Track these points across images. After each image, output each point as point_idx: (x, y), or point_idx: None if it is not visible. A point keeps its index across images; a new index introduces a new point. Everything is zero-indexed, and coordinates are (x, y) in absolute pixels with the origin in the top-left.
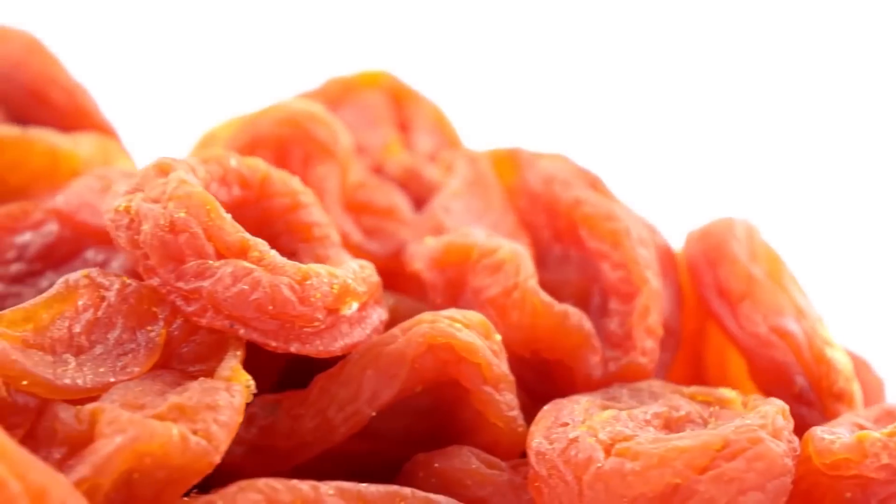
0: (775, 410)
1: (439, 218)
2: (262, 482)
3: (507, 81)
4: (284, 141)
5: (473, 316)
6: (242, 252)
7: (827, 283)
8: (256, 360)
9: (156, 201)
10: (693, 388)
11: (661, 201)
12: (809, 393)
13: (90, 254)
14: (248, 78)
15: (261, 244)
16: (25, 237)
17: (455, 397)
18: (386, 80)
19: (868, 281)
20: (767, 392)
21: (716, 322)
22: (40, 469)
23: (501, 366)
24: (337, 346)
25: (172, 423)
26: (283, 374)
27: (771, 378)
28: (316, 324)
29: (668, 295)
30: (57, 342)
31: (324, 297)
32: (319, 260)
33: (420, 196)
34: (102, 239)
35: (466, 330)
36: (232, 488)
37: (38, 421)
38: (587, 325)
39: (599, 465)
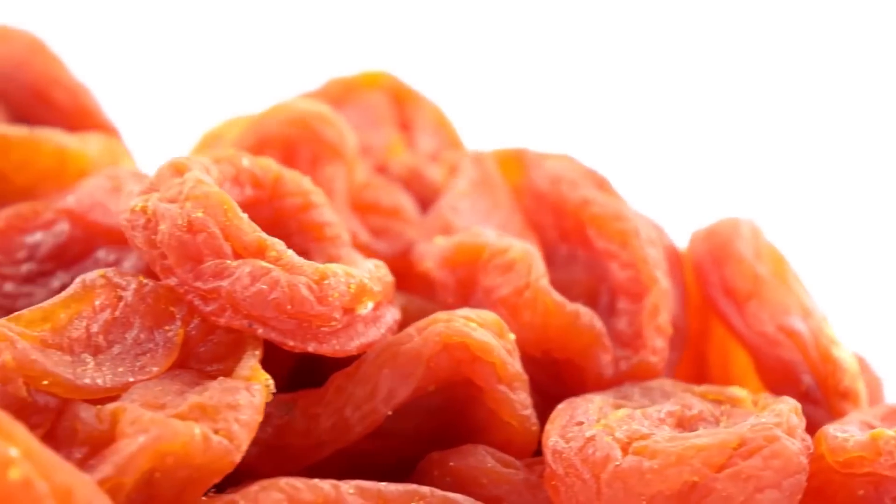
0: (789, 409)
1: (447, 217)
2: (283, 481)
3: (507, 82)
4: (292, 141)
5: (488, 315)
6: (260, 252)
7: (825, 283)
8: (267, 359)
9: (172, 201)
10: (704, 387)
11: (661, 201)
12: (816, 391)
13: (102, 253)
14: (247, 78)
15: (278, 244)
16: (36, 237)
17: (467, 396)
18: (387, 81)
19: (866, 281)
20: (774, 391)
21: (722, 321)
22: (66, 469)
23: (515, 365)
24: (353, 345)
25: (194, 422)
26: (292, 373)
27: (778, 377)
28: (333, 323)
29: (674, 294)
30: (75, 342)
31: (341, 297)
32: (331, 259)
33: (423, 196)
34: (114, 239)
35: (481, 329)
36: (254, 487)
37: (59, 421)
38: (598, 324)
39: (617, 463)
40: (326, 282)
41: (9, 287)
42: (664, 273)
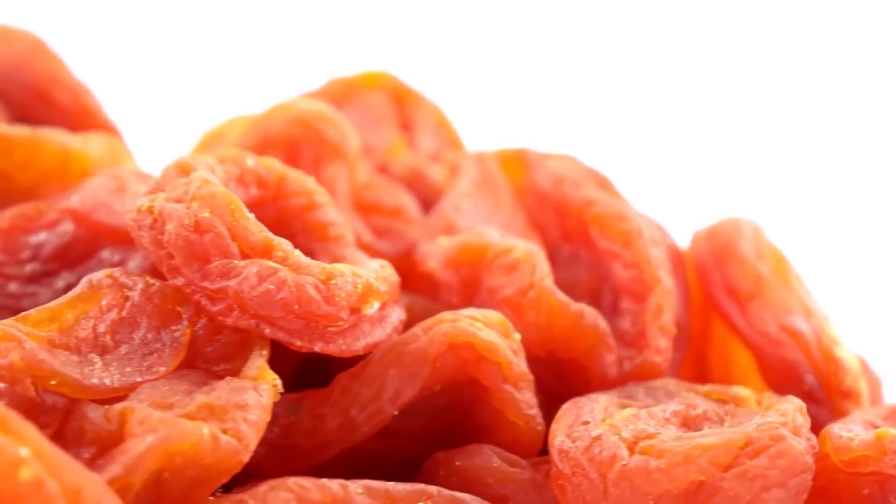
0: (794, 408)
1: (450, 218)
2: (291, 481)
3: (507, 82)
4: (295, 141)
5: (493, 315)
6: (267, 252)
7: (822, 283)
8: (272, 359)
9: (179, 201)
10: (708, 387)
11: (660, 201)
12: (818, 391)
13: (106, 254)
14: (247, 78)
15: (284, 244)
16: (40, 237)
17: (472, 396)
18: (387, 81)
19: (864, 280)
20: (776, 390)
21: (725, 321)
22: (75, 469)
23: (521, 364)
24: (359, 345)
25: (203, 422)
26: (297, 373)
27: (781, 376)
28: (340, 323)
29: (677, 294)
30: (82, 342)
31: (348, 297)
32: (336, 259)
33: (424, 196)
34: (118, 239)
35: (487, 329)
36: (262, 487)
37: (67, 421)
38: (602, 324)
39: (624, 462)
40: (333, 282)
41: (13, 287)
42: (667, 273)
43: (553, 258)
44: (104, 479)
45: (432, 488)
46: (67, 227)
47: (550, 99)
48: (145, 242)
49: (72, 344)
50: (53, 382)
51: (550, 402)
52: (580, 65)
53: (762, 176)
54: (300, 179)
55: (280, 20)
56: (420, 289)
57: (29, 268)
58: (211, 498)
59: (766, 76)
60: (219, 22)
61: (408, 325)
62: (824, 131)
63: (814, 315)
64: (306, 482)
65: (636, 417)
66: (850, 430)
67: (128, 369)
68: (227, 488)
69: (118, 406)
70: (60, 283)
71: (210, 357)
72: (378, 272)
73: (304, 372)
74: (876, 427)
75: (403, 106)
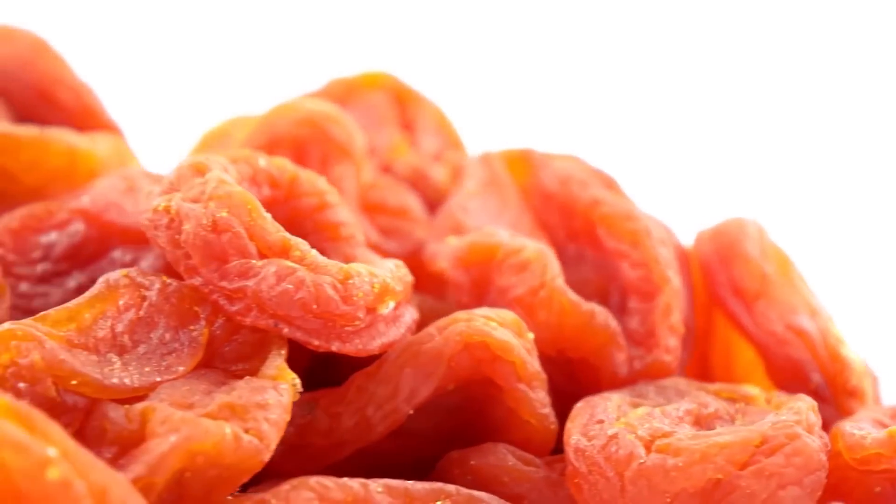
0: (807, 406)
1: (458, 217)
2: (313, 480)
3: (507, 82)
4: (302, 141)
5: (507, 314)
6: (284, 251)
7: (819, 282)
8: None
9: (196, 201)
10: (717, 385)
11: (659, 201)
12: (825, 389)
13: (117, 253)
14: (248, 78)
15: (302, 243)
16: (51, 237)
17: (485, 395)
18: (387, 81)
19: (861, 280)
20: (783, 389)
21: (731, 320)
22: (101, 468)
23: (535, 364)
24: (375, 344)
25: (224, 422)
26: (307, 372)
27: (787, 375)
28: (357, 323)
29: (684, 294)
30: (100, 342)
31: (365, 297)
32: (347, 259)
33: (427, 196)
34: (129, 238)
35: (502, 328)
36: (284, 486)
37: (87, 421)
38: (613, 323)
39: (641, 461)
40: (351, 281)
41: (24, 287)
42: (676, 273)
43: (559, 258)
44: (128, 479)
45: (450, 487)
46: (78, 227)
47: (549, 99)
48: (162, 242)
49: (90, 344)
50: (74, 382)
51: (560, 402)
52: (579, 65)
53: (761, 177)
54: (311, 179)
55: (279, 20)
56: (427, 288)
57: (40, 268)
58: (230, 498)
59: (766, 77)
60: (219, 22)
61: (416, 324)
62: (822, 132)
63: (819, 314)
64: (328, 481)
65: (650, 416)
66: (862, 429)
67: (147, 369)
68: (243, 488)
69: (139, 406)
70: (72, 283)
71: (228, 357)
72: (393, 272)
73: (315, 372)
74: (884, 426)
75: (404, 106)
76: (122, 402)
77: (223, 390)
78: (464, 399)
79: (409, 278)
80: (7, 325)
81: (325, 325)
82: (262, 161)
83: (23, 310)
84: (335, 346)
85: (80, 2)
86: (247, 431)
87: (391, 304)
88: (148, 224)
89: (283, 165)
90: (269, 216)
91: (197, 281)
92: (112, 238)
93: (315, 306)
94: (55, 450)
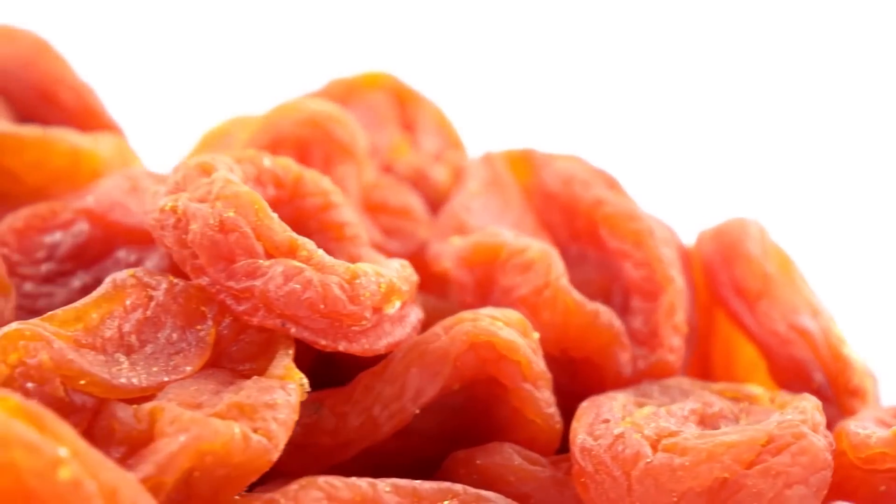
0: (813, 406)
1: (461, 217)
2: (321, 480)
3: (506, 83)
4: (305, 141)
5: (512, 314)
6: (291, 251)
7: (819, 282)
8: None
9: (202, 201)
10: (721, 385)
11: (657, 201)
12: (827, 389)
13: (122, 253)
14: (247, 78)
15: (308, 243)
16: (55, 237)
17: (489, 394)
18: (388, 81)
19: (861, 280)
20: (786, 388)
21: (733, 320)
22: (111, 468)
23: (540, 363)
24: (381, 344)
25: (233, 421)
26: (308, 372)
27: (790, 375)
28: (363, 322)
29: (686, 293)
30: (108, 342)
31: (372, 297)
32: (352, 259)
33: (427, 196)
34: (134, 238)
35: (507, 328)
36: (293, 486)
37: (95, 420)
38: (617, 323)
39: (648, 460)
40: (358, 281)
41: (28, 287)
42: (679, 272)
43: (561, 258)
44: (137, 479)
45: (458, 486)
46: (83, 227)
47: (549, 100)
48: (168, 242)
49: (98, 344)
50: (82, 382)
51: (564, 401)
52: (578, 65)
53: (760, 177)
54: (316, 179)
55: (279, 20)
56: (429, 288)
57: (44, 268)
58: (237, 497)
59: (766, 78)
60: (219, 22)
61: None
62: (819, 133)
63: (820, 314)
64: (336, 481)
65: (656, 416)
66: (867, 428)
67: (154, 369)
68: (249, 487)
69: (147, 405)
70: (76, 283)
71: (235, 356)
72: (399, 272)
73: (317, 371)
74: (888, 425)
75: (405, 106)
76: (130, 401)
77: (231, 390)
78: (468, 399)
79: (415, 278)
80: (15, 325)
81: (332, 325)
82: (267, 161)
83: (27, 310)
84: (342, 346)
85: (80, 2)
86: (255, 431)
87: (397, 304)
88: (154, 224)
89: (287, 165)
90: (275, 216)
91: (204, 281)
92: (116, 238)
93: (322, 306)
94: (66, 450)
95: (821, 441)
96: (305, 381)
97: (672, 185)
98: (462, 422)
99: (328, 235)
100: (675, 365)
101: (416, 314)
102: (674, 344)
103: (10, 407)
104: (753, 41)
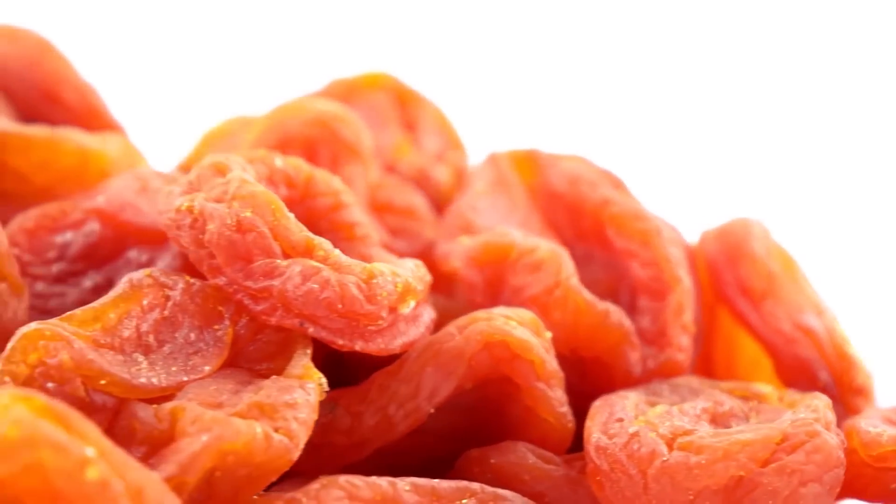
0: (824, 405)
1: (468, 217)
2: (342, 479)
3: (505, 83)
4: (313, 141)
5: (525, 314)
6: (308, 251)
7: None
8: None
9: (218, 201)
10: (730, 384)
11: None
12: (832, 388)
13: (133, 253)
14: (247, 78)
15: (325, 243)
16: (66, 237)
17: (501, 394)
18: (388, 82)
19: (860, 280)
20: (791, 387)
21: (738, 319)
22: (136, 468)
23: (553, 362)
24: (396, 343)
25: (254, 421)
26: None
27: (795, 374)
28: (380, 322)
29: (693, 293)
30: (126, 342)
31: (389, 296)
32: (363, 259)
33: (430, 196)
34: (145, 238)
35: (521, 328)
36: (314, 485)
37: (116, 420)
38: (627, 322)
39: (665, 458)
40: (375, 281)
41: (40, 287)
42: (686, 272)
43: None
44: (160, 478)
45: (475, 485)
46: (93, 227)
47: (548, 100)
48: (185, 242)
49: (116, 344)
50: (103, 382)
51: (573, 400)
52: (577, 66)
53: (759, 178)
54: (327, 179)
55: (280, 21)
56: (436, 287)
57: (55, 268)
58: (255, 497)
59: (766, 79)
60: (219, 22)
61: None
62: (818, 133)
63: (825, 313)
64: (357, 480)
65: (669, 414)
66: (877, 426)
67: (173, 368)
68: (265, 488)
69: (168, 405)
70: (88, 282)
71: (252, 356)
72: (414, 271)
73: (326, 371)
74: (895, 423)
75: (406, 106)
76: (150, 401)
77: (250, 389)
78: (479, 398)
79: (429, 278)
80: (34, 324)
81: (349, 325)
82: (279, 161)
83: (39, 309)
84: (358, 346)
85: (80, 2)
86: (277, 431)
87: (412, 304)
88: (170, 224)
89: (298, 165)
90: (292, 216)
91: (221, 281)
92: (128, 238)
93: (340, 306)
94: (93, 449)
95: (834, 439)
96: (324, 380)
97: (671, 185)
98: (473, 421)
99: (339, 235)
100: (684, 364)
101: (428, 314)
102: (682, 343)
103: (36, 407)
104: (755, 42)
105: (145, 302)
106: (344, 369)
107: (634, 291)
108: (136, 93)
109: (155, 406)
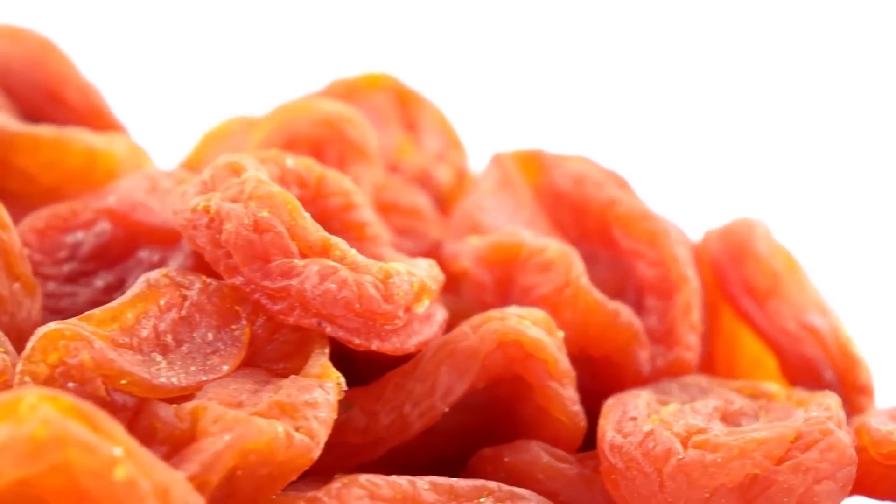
0: (836, 403)
1: (476, 217)
2: (363, 478)
3: (505, 84)
4: (320, 142)
5: (538, 313)
6: (325, 251)
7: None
8: None
9: (235, 200)
10: (738, 382)
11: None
12: (837, 386)
13: (144, 253)
14: (247, 79)
15: (341, 243)
16: (77, 237)
17: (512, 393)
18: (388, 82)
19: (860, 280)
20: (795, 386)
21: (743, 318)
22: (162, 468)
23: (565, 361)
24: (411, 343)
25: (276, 420)
26: None
27: (800, 372)
28: (396, 321)
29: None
30: (144, 341)
31: (405, 296)
32: (374, 258)
33: (431, 195)
34: (156, 238)
35: (534, 327)
36: (335, 484)
37: (136, 420)
38: (636, 321)
39: (680, 456)
40: (391, 280)
41: (51, 286)
42: (694, 271)
43: None
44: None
45: (492, 484)
46: (104, 227)
47: (548, 100)
48: (201, 242)
49: (134, 343)
50: (123, 382)
51: (583, 399)
52: (577, 66)
53: (758, 178)
54: (338, 179)
55: (280, 21)
56: (443, 287)
57: (67, 268)
58: (274, 497)
59: (766, 79)
60: (219, 22)
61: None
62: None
63: (828, 313)
64: (377, 479)
65: (682, 413)
66: (887, 424)
67: (192, 368)
68: None
69: (189, 405)
70: (99, 282)
71: (270, 355)
72: (428, 271)
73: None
74: None
75: (406, 107)
76: (169, 401)
77: (270, 389)
78: (490, 397)
79: (442, 277)
80: (54, 324)
81: (366, 324)
82: (290, 161)
83: (51, 310)
84: (374, 345)
85: (80, 2)
86: (297, 430)
87: (426, 303)
88: (186, 224)
89: (310, 165)
90: (308, 216)
91: (238, 280)
92: (139, 238)
93: (358, 305)
94: (121, 449)
95: (846, 437)
96: (342, 379)
97: (671, 185)
98: (485, 420)
99: (350, 235)
100: (693, 363)
101: (441, 313)
102: (690, 342)
103: (64, 407)
104: (756, 42)
105: (162, 302)
106: (353, 368)
107: (641, 291)
108: (135, 93)
109: (175, 406)
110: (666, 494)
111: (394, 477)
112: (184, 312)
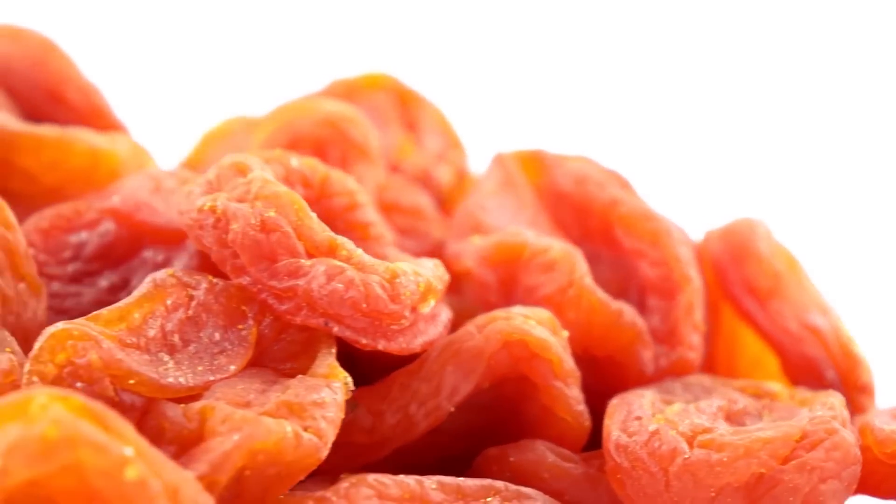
0: (840, 402)
1: (478, 217)
2: (371, 477)
3: (505, 84)
4: (322, 142)
5: (542, 313)
6: (331, 251)
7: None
8: None
9: (241, 200)
10: (741, 382)
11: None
12: (838, 386)
13: (148, 253)
14: (247, 79)
15: (348, 243)
16: (81, 237)
17: (517, 392)
18: (389, 82)
19: (860, 280)
20: (797, 385)
21: (745, 318)
22: (172, 468)
23: (570, 361)
24: (417, 342)
25: (284, 420)
26: None
27: (802, 372)
28: (402, 321)
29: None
30: (151, 341)
31: (412, 296)
32: (379, 258)
33: (432, 195)
34: (160, 238)
35: (539, 327)
36: (343, 484)
37: (145, 420)
38: (640, 321)
39: (686, 456)
40: (398, 280)
41: (56, 287)
42: (696, 271)
43: None
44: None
45: (499, 483)
46: (109, 227)
47: (547, 101)
48: (208, 242)
49: (142, 343)
50: (131, 382)
51: (585, 399)
52: (577, 66)
53: (758, 178)
54: (342, 179)
55: (280, 21)
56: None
57: (71, 267)
58: (282, 497)
59: (766, 80)
60: (219, 22)
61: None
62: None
63: (829, 312)
64: (385, 478)
65: (687, 412)
66: (891, 424)
67: (199, 368)
68: None
69: (197, 405)
70: (104, 282)
71: (276, 355)
72: (433, 271)
73: None
74: None
75: (406, 107)
76: (177, 401)
77: (277, 389)
78: (495, 397)
79: (447, 277)
80: (61, 324)
81: (373, 324)
82: (295, 161)
83: (56, 309)
84: (381, 345)
85: (80, 2)
86: (306, 430)
87: (432, 303)
88: (192, 223)
89: (314, 165)
90: (314, 216)
91: (244, 280)
92: (143, 238)
93: (365, 305)
94: (132, 449)
95: (851, 437)
96: (350, 379)
97: (671, 185)
98: (489, 420)
99: (354, 235)
100: (696, 362)
101: (446, 313)
102: (693, 342)
103: (74, 406)
104: (757, 43)
105: (169, 302)
106: (357, 368)
107: (643, 291)
108: (135, 93)
109: (183, 405)
110: (672, 494)
111: (402, 476)
112: (191, 312)
